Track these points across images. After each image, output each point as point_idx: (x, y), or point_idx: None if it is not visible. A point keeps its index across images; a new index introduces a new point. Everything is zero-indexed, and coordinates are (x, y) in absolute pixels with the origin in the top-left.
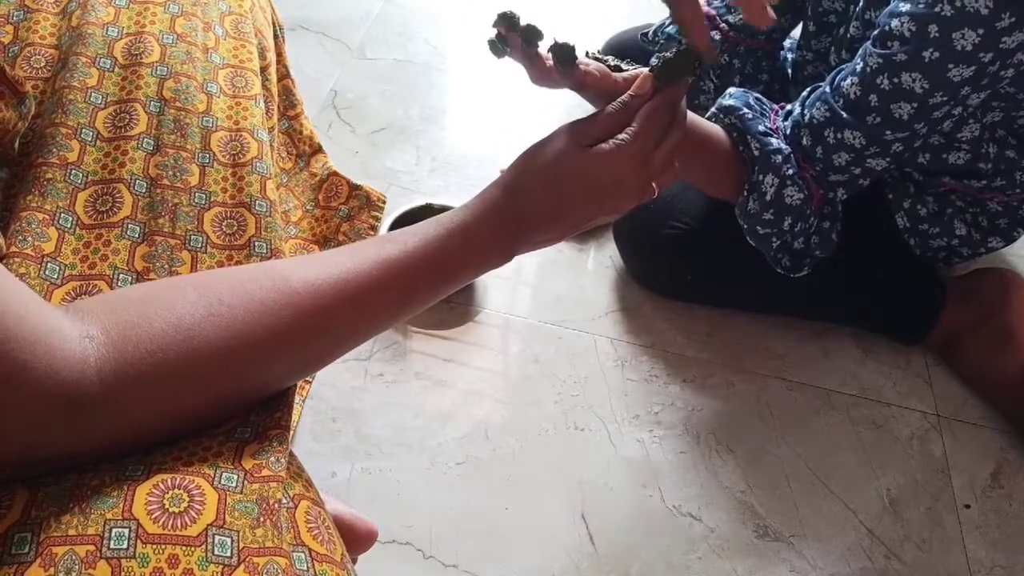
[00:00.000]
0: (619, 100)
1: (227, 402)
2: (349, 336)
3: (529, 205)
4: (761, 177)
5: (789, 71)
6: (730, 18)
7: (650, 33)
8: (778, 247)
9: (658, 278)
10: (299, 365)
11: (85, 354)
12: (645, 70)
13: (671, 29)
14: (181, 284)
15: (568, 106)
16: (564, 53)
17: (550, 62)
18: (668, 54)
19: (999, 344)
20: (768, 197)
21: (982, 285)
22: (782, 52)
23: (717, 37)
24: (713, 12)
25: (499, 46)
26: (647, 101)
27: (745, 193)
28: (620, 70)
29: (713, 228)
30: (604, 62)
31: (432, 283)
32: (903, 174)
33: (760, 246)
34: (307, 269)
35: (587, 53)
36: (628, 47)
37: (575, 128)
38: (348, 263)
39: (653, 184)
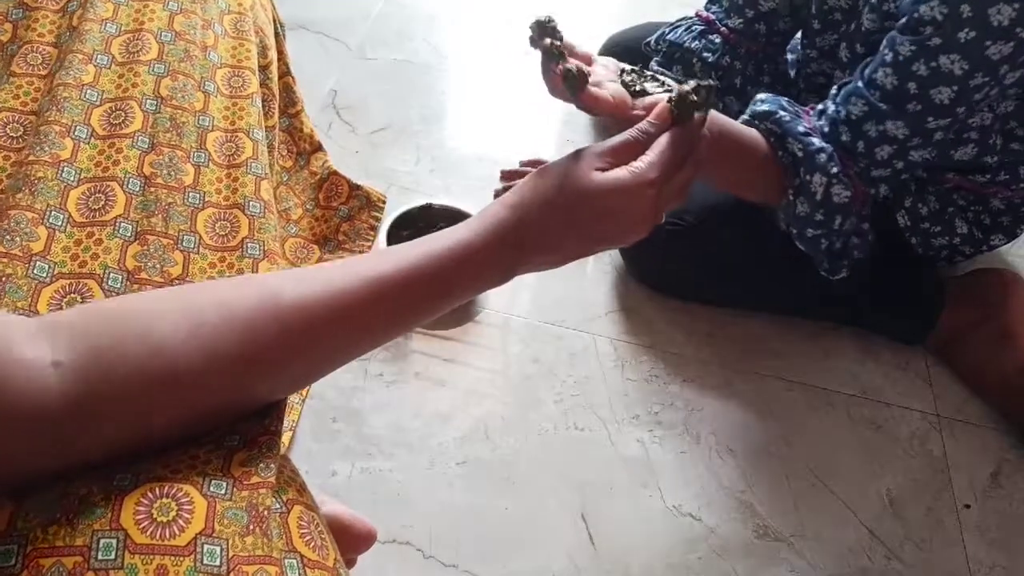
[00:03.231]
0: (638, 129)
1: (210, 419)
2: (341, 354)
3: (534, 228)
4: (809, 177)
5: (791, 72)
6: (730, 22)
7: (652, 41)
8: (825, 248)
9: (658, 275)
10: (286, 382)
11: (48, 383)
12: (664, 98)
13: (672, 36)
14: (162, 301)
15: (568, 107)
16: (571, 79)
17: None
18: (686, 87)
19: (999, 344)
20: (818, 197)
21: (982, 285)
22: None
23: (718, 40)
24: (712, 17)
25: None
26: (665, 131)
27: (791, 196)
28: (645, 93)
29: (714, 224)
30: (636, 82)
31: (428, 302)
32: None
33: (809, 249)
34: (297, 286)
35: (622, 72)
36: (628, 48)
37: (590, 153)
38: (340, 281)
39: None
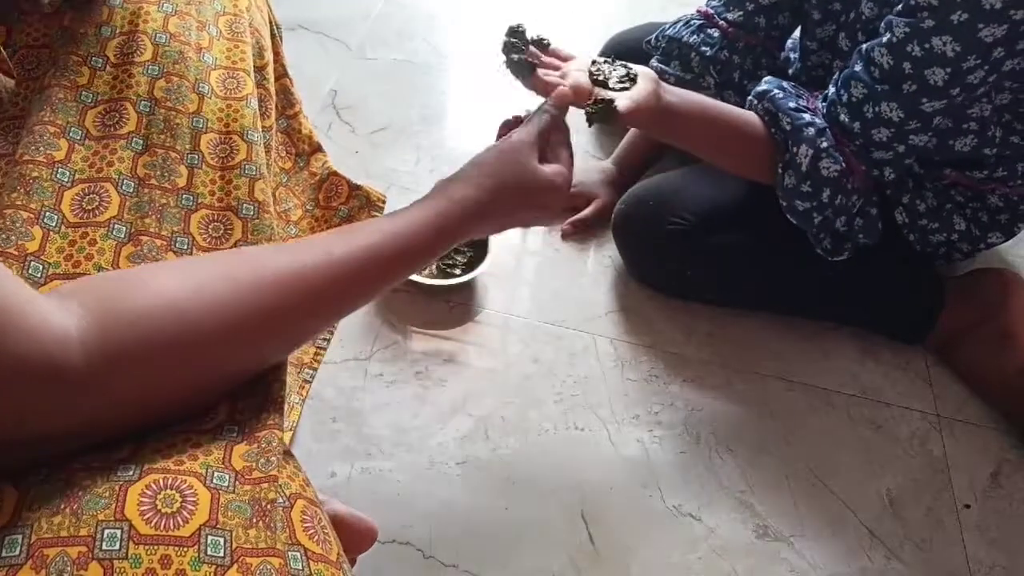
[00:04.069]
0: (546, 112)
1: (212, 379)
2: (332, 316)
3: (494, 205)
4: (795, 149)
5: (790, 71)
6: (729, 15)
7: (652, 40)
8: (820, 224)
9: (658, 275)
10: (282, 343)
11: (66, 328)
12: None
13: (670, 32)
14: (163, 266)
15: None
16: (512, 66)
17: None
18: (596, 104)
19: (998, 344)
20: (804, 168)
21: (981, 285)
22: (784, 52)
23: (716, 34)
24: (711, 11)
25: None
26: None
27: (780, 170)
28: (606, 82)
29: (713, 223)
30: (601, 72)
31: (406, 267)
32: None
33: (801, 224)
34: (291, 254)
35: (593, 62)
36: (630, 47)
37: (528, 143)
38: (332, 248)
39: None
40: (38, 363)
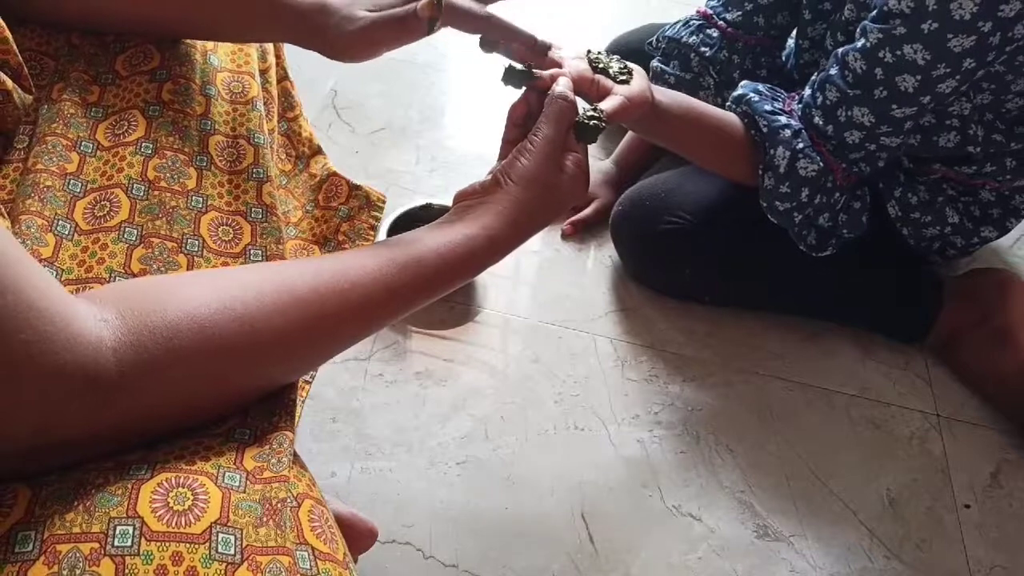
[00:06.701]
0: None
1: (235, 394)
2: (350, 340)
3: (531, 217)
4: (772, 151)
5: (786, 69)
6: (728, 16)
7: (653, 41)
8: (801, 222)
9: (656, 275)
10: (304, 363)
11: (101, 335)
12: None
13: (670, 32)
14: (194, 278)
15: None
16: (510, 77)
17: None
18: (584, 117)
19: (997, 344)
20: (782, 170)
21: (980, 285)
22: (785, 51)
23: (715, 35)
24: (710, 12)
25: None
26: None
27: (760, 171)
28: (606, 71)
29: (713, 224)
30: (600, 61)
31: (431, 293)
32: (893, 162)
33: (783, 223)
34: (315, 277)
35: (588, 51)
36: (632, 49)
37: (557, 152)
38: (353, 273)
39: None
40: (73, 372)
